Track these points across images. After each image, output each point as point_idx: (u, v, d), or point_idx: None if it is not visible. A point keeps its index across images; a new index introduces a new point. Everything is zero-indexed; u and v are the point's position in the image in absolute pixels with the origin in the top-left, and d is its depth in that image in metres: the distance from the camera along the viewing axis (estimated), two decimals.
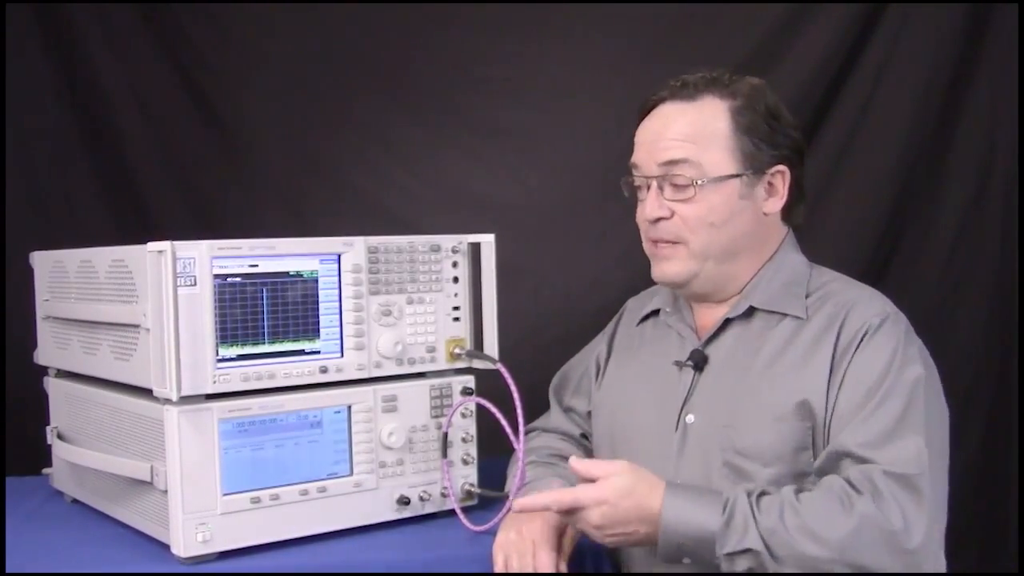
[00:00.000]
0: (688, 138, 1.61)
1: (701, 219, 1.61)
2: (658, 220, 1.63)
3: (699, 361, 1.64)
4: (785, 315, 1.61)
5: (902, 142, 2.52)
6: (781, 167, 1.65)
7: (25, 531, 1.70)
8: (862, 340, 1.54)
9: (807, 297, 1.63)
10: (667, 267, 1.65)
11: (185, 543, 1.50)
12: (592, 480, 1.47)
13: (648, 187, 1.64)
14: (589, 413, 1.84)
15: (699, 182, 1.60)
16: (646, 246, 1.69)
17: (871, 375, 1.51)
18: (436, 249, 1.73)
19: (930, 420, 1.49)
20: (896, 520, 1.40)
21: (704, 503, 1.44)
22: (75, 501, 1.85)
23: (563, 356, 1.95)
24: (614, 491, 1.45)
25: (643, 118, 1.69)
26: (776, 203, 1.66)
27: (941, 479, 1.48)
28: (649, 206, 1.63)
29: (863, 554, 1.39)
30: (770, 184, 1.65)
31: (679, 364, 1.66)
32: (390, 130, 2.67)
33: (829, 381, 1.53)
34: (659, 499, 1.44)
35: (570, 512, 1.47)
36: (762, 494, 1.45)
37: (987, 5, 2.47)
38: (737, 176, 1.62)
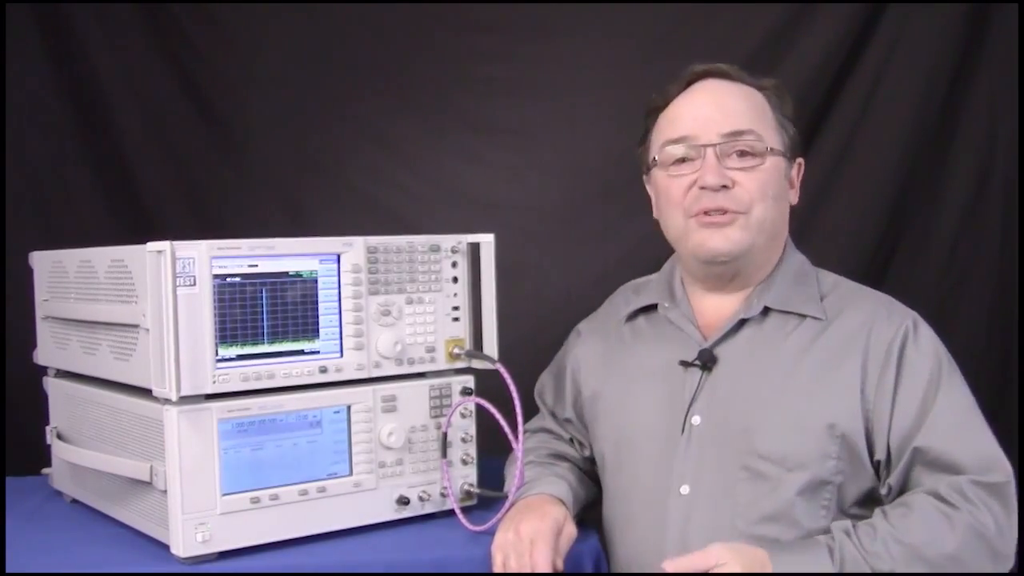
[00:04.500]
0: (748, 111, 1.62)
1: (764, 189, 1.60)
2: (720, 188, 1.60)
3: (707, 361, 1.62)
4: (803, 317, 1.61)
5: (902, 142, 2.52)
6: (801, 160, 1.69)
7: (25, 531, 1.69)
8: (903, 352, 1.55)
9: (822, 300, 1.63)
10: (726, 234, 1.60)
11: (185, 543, 1.50)
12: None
13: (703, 157, 1.61)
14: (567, 420, 1.83)
15: (768, 149, 1.60)
16: (690, 220, 1.63)
17: (922, 381, 1.54)
18: (436, 249, 1.73)
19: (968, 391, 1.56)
20: (991, 526, 1.45)
21: (810, 554, 1.43)
22: (75, 501, 1.85)
23: None
24: None
25: (677, 94, 1.67)
26: (795, 195, 1.69)
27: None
28: (712, 173, 1.59)
29: (970, 565, 1.44)
30: (790, 176, 1.68)
31: (685, 364, 1.64)
32: (390, 130, 2.67)
33: (866, 393, 1.54)
34: (768, 566, 1.42)
35: None
36: (856, 527, 1.46)
37: (987, 5, 2.48)
38: (783, 156, 1.64)
